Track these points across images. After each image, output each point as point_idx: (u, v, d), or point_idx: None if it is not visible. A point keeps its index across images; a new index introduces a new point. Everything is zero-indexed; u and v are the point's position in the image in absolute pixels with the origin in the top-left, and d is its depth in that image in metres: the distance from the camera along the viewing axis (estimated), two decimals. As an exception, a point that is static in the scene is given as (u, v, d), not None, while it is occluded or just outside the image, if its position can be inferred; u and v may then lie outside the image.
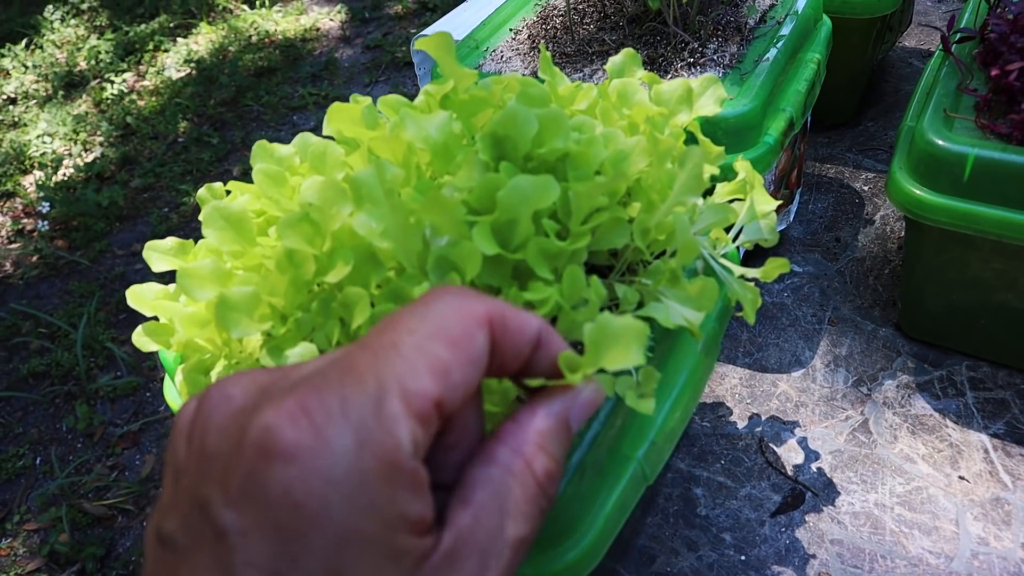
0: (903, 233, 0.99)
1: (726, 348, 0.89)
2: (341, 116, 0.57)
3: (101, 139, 1.76)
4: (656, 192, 0.53)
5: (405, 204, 0.46)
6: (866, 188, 1.10)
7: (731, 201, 0.61)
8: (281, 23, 2.12)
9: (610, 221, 0.49)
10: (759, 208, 0.61)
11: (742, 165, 0.61)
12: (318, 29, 2.07)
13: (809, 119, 0.97)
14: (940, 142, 0.70)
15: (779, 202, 0.62)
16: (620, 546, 0.69)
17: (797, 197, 0.98)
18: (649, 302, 0.53)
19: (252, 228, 0.55)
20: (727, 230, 0.61)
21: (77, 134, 1.77)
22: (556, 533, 0.49)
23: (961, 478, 0.74)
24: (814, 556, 0.69)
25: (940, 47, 0.82)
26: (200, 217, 0.52)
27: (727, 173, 0.64)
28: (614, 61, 0.62)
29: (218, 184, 0.61)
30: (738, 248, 0.85)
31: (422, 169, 0.55)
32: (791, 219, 0.97)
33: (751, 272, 0.57)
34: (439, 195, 0.44)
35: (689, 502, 0.74)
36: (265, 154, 0.59)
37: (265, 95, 1.81)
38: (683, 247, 0.51)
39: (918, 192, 0.72)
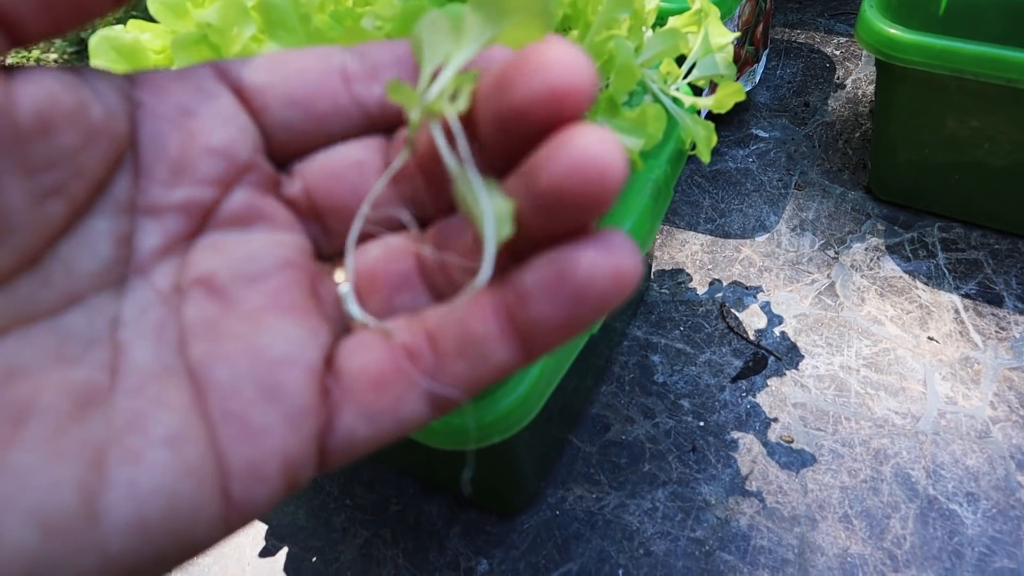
0: (875, 96, 0.94)
1: (687, 215, 0.85)
2: (246, -66, 0.50)
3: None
4: (594, 14, 0.48)
5: (322, 32, 0.41)
6: (837, 52, 1.04)
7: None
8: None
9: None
10: (714, 40, 0.56)
11: (697, -9, 0.55)
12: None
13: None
14: (915, -28, 0.64)
15: (736, 34, 0.57)
16: (572, 415, 0.66)
17: (763, 59, 0.93)
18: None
19: (148, 60, 0.49)
20: (680, 65, 0.56)
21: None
22: (489, 381, 0.45)
23: (930, 339, 0.71)
24: (776, 420, 0.66)
25: None
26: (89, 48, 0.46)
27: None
28: None
29: (118, 27, 0.55)
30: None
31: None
32: (756, 81, 0.92)
33: (703, 101, 0.52)
34: (359, 26, 0.39)
35: (646, 369, 0.70)
36: (162, -16, 0.52)
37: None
38: (621, 71, 0.46)
39: (891, 31, 0.66)
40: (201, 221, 0.18)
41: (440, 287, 0.19)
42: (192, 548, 0.16)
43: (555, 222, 0.16)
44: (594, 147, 0.15)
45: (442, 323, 0.18)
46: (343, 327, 0.19)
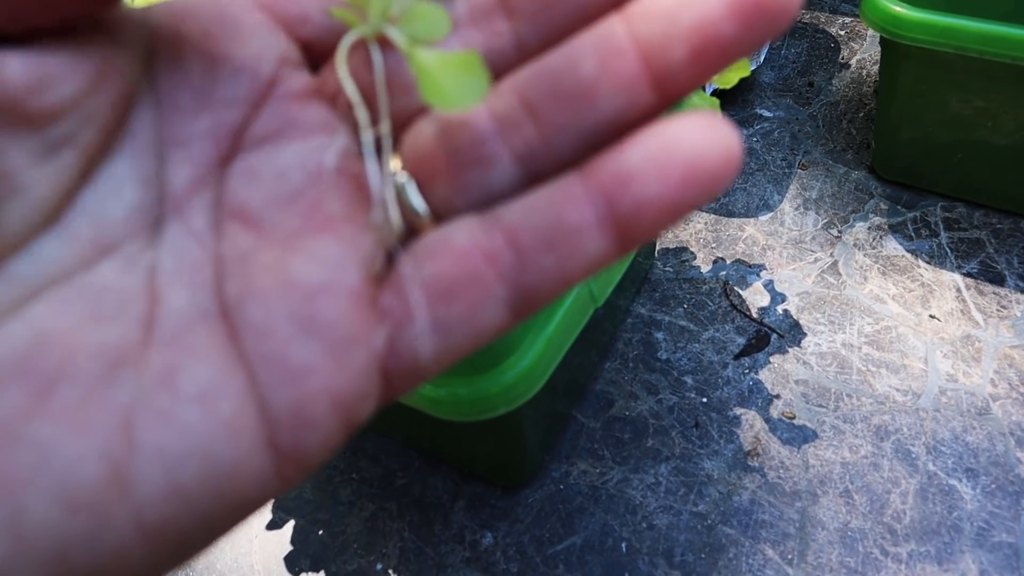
0: (879, 75, 0.94)
1: (692, 196, 0.85)
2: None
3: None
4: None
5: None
6: (843, 32, 1.04)
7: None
8: None
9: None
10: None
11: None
12: None
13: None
14: (921, -51, 0.64)
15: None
16: (577, 391, 0.67)
17: (769, 39, 0.93)
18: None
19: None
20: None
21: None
22: (494, 353, 0.45)
23: (932, 317, 0.71)
24: (778, 396, 0.67)
25: None
26: None
27: None
28: None
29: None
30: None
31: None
32: (761, 61, 0.92)
33: (708, 78, 0.52)
34: None
35: (649, 346, 0.71)
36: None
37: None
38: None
39: (896, 8, 0.66)
40: (232, 145, 0.17)
41: (531, 150, 0.17)
42: (243, 507, 0.15)
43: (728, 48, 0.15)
44: None
45: (525, 215, 0.16)
46: (405, 228, 0.17)
